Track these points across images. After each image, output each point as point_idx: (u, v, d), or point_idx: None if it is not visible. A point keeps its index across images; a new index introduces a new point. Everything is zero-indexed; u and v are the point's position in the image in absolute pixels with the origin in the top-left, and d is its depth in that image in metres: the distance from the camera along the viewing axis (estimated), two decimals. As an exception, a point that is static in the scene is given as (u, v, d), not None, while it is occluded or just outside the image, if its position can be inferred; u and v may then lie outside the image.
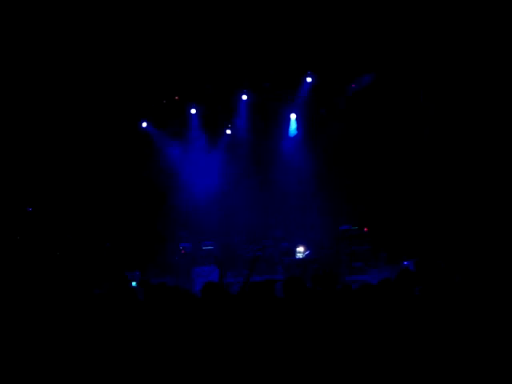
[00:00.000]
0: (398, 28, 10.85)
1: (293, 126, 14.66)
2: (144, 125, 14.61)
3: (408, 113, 12.18)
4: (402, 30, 10.87)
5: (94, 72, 12.25)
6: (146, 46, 11.71)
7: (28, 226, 13.06)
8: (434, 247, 10.72)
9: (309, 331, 4.41)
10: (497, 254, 9.13)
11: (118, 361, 4.46)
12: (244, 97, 14.14)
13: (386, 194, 12.58)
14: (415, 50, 11.21)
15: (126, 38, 11.41)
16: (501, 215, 10.40)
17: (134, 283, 10.48)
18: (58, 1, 10.48)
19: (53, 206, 13.47)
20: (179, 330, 4.66)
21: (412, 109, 12.10)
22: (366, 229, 12.36)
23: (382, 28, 10.95)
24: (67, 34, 11.19)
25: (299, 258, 12.95)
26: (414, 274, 5.39)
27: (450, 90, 11.19)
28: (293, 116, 14.55)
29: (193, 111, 14.55)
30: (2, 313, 5.17)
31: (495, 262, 8.68)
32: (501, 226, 10.21)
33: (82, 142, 13.48)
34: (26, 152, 12.94)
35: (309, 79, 13.40)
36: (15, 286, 7.57)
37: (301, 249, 13.04)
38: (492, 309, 4.44)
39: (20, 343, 4.65)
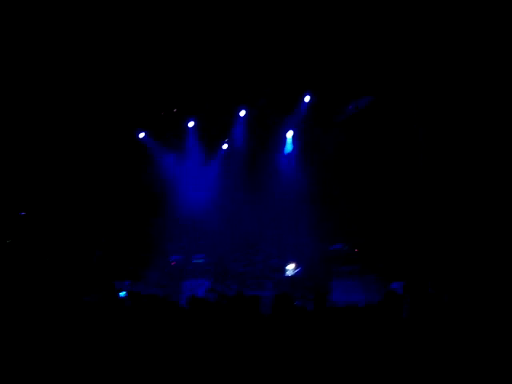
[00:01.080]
0: (398, 52, 10.99)
1: (289, 143, 14.75)
2: (141, 135, 14.68)
3: (403, 136, 12.29)
4: (402, 54, 11.00)
5: (95, 81, 12.33)
6: (147, 59, 11.80)
7: (20, 230, 13.04)
8: (423, 269, 10.77)
9: (292, 349, 4.44)
10: (486, 274, 9.21)
11: (104, 366, 4.49)
12: (242, 112, 14.23)
13: (377, 214, 12.63)
14: (414, 74, 11.34)
15: (128, 49, 11.51)
16: (491, 236, 10.48)
17: (122, 293, 10.45)
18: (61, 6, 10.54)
19: (45, 212, 13.47)
20: (163, 340, 4.69)
21: (407, 132, 12.21)
22: (356, 250, 12.40)
23: (383, 51, 11.09)
24: (68, 42, 11.27)
25: (289, 275, 12.95)
26: (401, 297, 5.42)
27: (448, 117, 11.30)
28: (289, 134, 14.63)
29: (190, 124, 14.63)
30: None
31: (485, 281, 8.75)
32: (491, 247, 10.28)
33: (78, 150, 13.51)
34: (23, 156, 12.96)
35: (307, 98, 13.50)
36: (5, 291, 7.57)
37: (291, 266, 13.05)
38: (480, 328, 4.48)
39: (10, 346, 4.67)
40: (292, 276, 12.89)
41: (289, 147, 14.75)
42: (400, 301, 5.44)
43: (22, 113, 12.56)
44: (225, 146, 15.19)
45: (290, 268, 13.07)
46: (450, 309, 5.11)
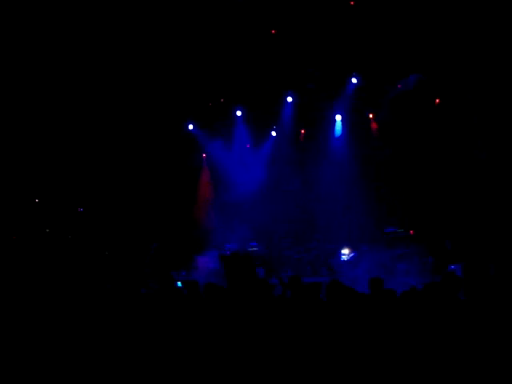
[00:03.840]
0: (444, 28, 10.64)
1: (338, 126, 14.59)
2: (190, 127, 14.86)
3: (456, 114, 11.94)
4: (449, 30, 10.65)
5: (148, 81, 12.57)
6: (194, 54, 11.89)
7: (79, 225, 13.45)
8: (483, 251, 10.45)
9: (350, 334, 4.42)
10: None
11: (162, 356, 4.59)
12: (289, 98, 14.16)
13: (432, 196, 12.34)
14: (462, 50, 10.97)
15: (175, 46, 11.63)
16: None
17: (179, 283, 10.65)
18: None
19: (102, 207, 13.84)
20: (223, 327, 4.74)
21: (459, 111, 11.85)
22: (411, 232, 12.15)
23: (428, 28, 10.76)
24: (123, 40, 11.50)
25: (345, 260, 12.85)
26: (460, 279, 5.28)
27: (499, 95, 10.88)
28: (338, 117, 14.48)
29: (238, 113, 14.68)
30: (54, 308, 5.38)
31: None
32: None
33: (131, 146, 13.81)
34: (80, 154, 13.35)
35: (354, 80, 13.29)
36: (64, 284, 7.83)
37: (346, 251, 12.94)
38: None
39: (71, 335, 4.84)
40: (347, 260, 12.78)
41: (338, 130, 14.60)
42: (460, 283, 5.31)
43: (78, 109, 12.93)
44: (273, 133, 15.19)
45: (345, 252, 12.97)
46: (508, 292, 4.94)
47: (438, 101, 12.58)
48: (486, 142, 11.39)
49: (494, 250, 10.26)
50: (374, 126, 13.91)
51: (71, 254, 12.46)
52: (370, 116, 14.06)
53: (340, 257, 12.95)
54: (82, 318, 5.20)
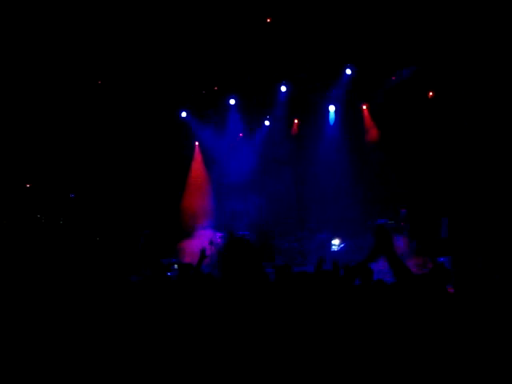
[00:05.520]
0: (439, 20, 10.63)
1: (331, 117, 14.60)
2: (183, 114, 14.81)
3: (449, 108, 11.99)
4: (444, 21, 10.64)
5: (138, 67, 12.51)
6: (187, 40, 11.81)
7: (70, 211, 13.43)
8: (473, 244, 10.53)
9: (339, 326, 4.44)
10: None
11: (153, 346, 4.60)
12: (283, 88, 14.13)
13: (424, 188, 12.41)
14: (457, 42, 10.97)
15: (168, 32, 11.54)
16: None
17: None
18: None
19: (94, 193, 13.82)
20: (213, 317, 4.76)
21: (452, 105, 11.89)
22: (402, 223, 12.22)
23: (423, 20, 10.75)
24: (114, 30, 11.41)
25: (335, 251, 12.91)
26: (448, 271, 5.33)
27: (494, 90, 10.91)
28: (332, 108, 14.48)
29: (232, 102, 14.64)
30: (43, 293, 5.38)
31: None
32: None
33: (123, 133, 13.76)
34: (72, 141, 13.30)
35: (348, 71, 13.28)
36: (55, 270, 7.82)
37: (336, 241, 13.01)
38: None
39: (60, 326, 4.84)
40: (338, 251, 12.84)
41: (331, 121, 14.61)
42: (448, 275, 5.35)
43: (70, 96, 12.86)
44: (267, 123, 15.17)
45: (336, 243, 13.04)
46: (502, 288, 4.97)
47: (431, 94, 12.63)
48: (478, 137, 11.44)
49: (483, 244, 10.34)
50: (367, 116, 13.94)
51: (62, 239, 12.44)
52: (364, 107, 14.09)
53: (330, 247, 13.02)
54: (71, 305, 5.20)
